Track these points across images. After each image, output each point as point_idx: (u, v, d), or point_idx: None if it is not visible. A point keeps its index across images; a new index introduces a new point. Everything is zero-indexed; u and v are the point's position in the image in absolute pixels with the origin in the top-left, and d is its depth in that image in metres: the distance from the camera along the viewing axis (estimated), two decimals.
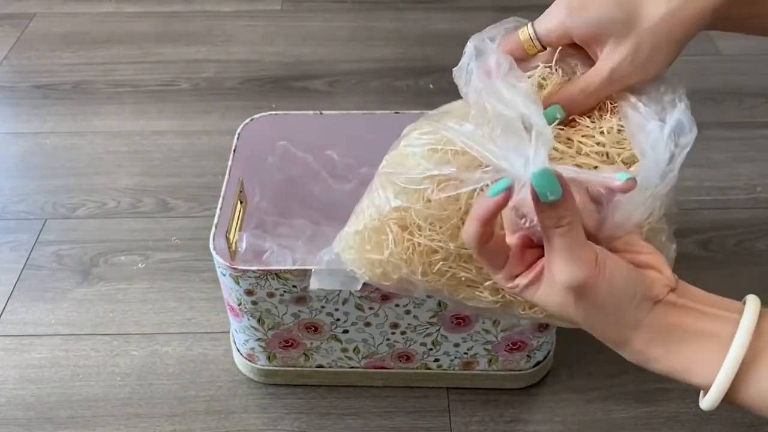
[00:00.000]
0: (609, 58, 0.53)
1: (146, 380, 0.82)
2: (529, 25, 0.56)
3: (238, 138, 0.82)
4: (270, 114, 0.85)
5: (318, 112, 0.85)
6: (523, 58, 0.56)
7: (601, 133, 0.54)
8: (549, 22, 0.55)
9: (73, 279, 0.93)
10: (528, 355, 0.78)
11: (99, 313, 0.90)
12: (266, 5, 1.48)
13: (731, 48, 1.34)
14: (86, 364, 0.84)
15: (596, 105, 0.56)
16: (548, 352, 0.81)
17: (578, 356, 0.84)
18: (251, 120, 0.84)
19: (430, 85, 1.26)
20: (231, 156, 0.80)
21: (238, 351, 0.81)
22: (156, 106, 1.22)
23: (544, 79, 0.56)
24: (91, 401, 0.80)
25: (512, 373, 0.79)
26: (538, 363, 0.80)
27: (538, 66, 0.57)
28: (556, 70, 0.56)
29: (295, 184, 0.90)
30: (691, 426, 0.78)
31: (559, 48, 0.56)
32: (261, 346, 0.77)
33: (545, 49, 0.57)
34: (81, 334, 0.87)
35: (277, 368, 0.80)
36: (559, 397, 0.80)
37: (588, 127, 0.55)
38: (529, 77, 0.55)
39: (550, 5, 0.57)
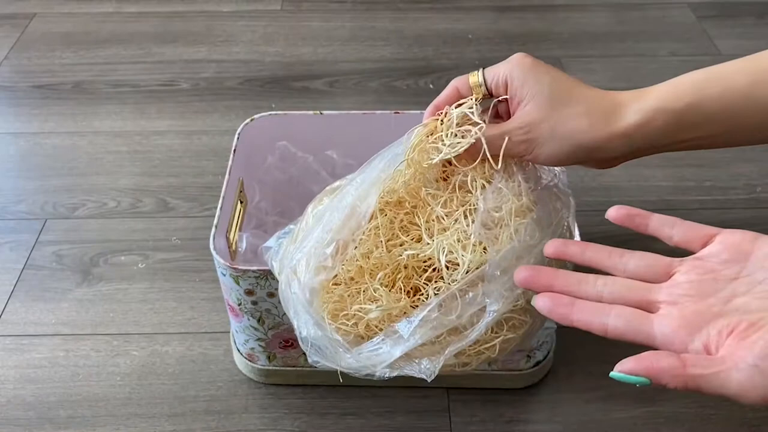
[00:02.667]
0: (517, 116, 0.55)
1: (146, 380, 0.82)
2: (481, 70, 0.57)
3: (238, 138, 0.82)
4: (270, 114, 0.85)
5: (318, 112, 0.85)
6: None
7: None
8: (497, 69, 0.56)
9: (73, 279, 0.93)
10: (528, 355, 0.78)
11: (99, 313, 0.90)
12: (266, 5, 1.48)
13: (731, 48, 1.34)
14: (86, 364, 0.84)
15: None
16: (548, 352, 0.81)
17: (578, 356, 0.84)
18: (251, 120, 0.84)
19: (430, 85, 1.26)
20: (231, 156, 0.80)
21: (238, 351, 0.81)
22: (156, 106, 1.22)
23: (459, 124, 0.57)
24: (91, 401, 0.80)
25: (512, 373, 0.79)
26: (538, 363, 0.80)
27: (464, 104, 0.57)
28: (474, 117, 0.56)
29: (295, 184, 0.90)
30: (691, 426, 0.78)
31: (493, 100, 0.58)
32: (261, 346, 0.78)
33: (491, 95, 0.57)
34: (81, 334, 0.87)
35: (277, 368, 0.80)
36: (559, 397, 0.80)
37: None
38: (454, 110, 0.57)
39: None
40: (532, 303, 0.45)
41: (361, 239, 0.55)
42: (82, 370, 0.84)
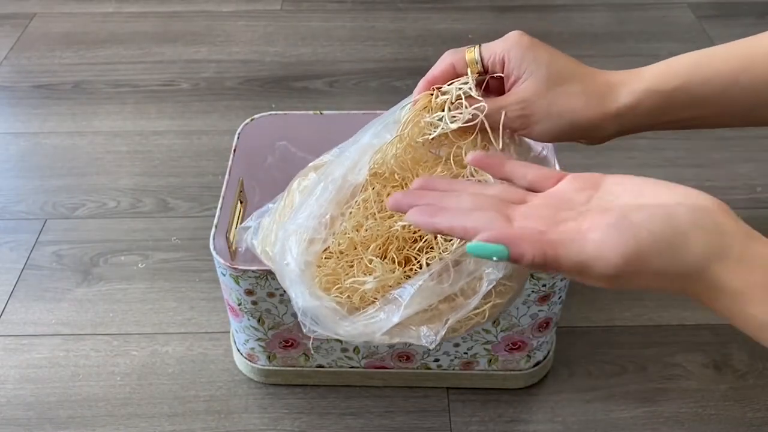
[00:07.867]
0: (514, 91, 0.56)
1: (146, 380, 0.82)
2: (477, 47, 0.58)
3: (238, 138, 0.82)
4: (270, 114, 0.85)
5: (318, 112, 0.85)
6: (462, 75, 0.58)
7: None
8: (494, 46, 0.56)
9: (73, 279, 0.93)
10: (528, 355, 0.78)
11: (99, 313, 0.90)
12: (266, 5, 1.48)
13: None
14: (86, 364, 0.84)
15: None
16: (548, 352, 0.81)
17: (578, 356, 0.84)
18: (251, 120, 0.84)
19: None
20: (231, 156, 0.80)
21: (238, 351, 0.81)
22: (156, 106, 1.22)
23: (456, 100, 0.57)
24: (91, 401, 0.80)
25: (512, 373, 0.79)
26: (538, 363, 0.80)
27: (460, 81, 0.58)
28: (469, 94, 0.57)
29: None
30: (691, 426, 0.78)
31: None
32: (261, 346, 0.78)
33: (486, 72, 0.57)
34: (81, 334, 0.87)
35: (277, 368, 0.80)
36: (559, 397, 0.80)
37: None
38: (449, 87, 0.58)
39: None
40: (404, 219, 0.46)
41: (351, 212, 0.56)
42: (82, 370, 0.83)
